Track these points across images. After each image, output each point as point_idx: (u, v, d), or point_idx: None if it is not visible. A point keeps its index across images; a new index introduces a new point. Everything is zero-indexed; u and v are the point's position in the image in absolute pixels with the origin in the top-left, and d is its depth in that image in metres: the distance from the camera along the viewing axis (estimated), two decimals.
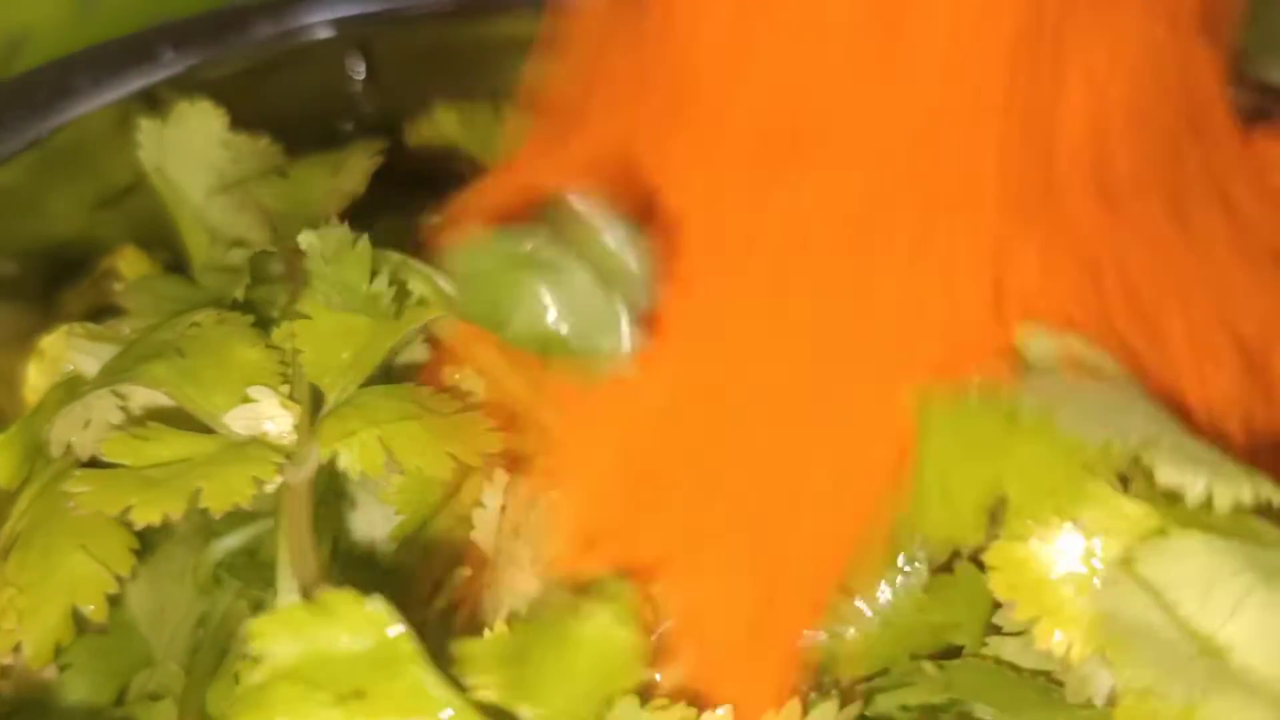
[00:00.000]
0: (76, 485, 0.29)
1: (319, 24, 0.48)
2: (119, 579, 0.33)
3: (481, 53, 0.52)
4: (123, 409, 0.34)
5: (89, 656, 0.35)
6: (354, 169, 0.42)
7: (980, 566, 0.28)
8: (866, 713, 0.29)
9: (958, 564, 0.28)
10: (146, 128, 0.40)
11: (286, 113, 0.47)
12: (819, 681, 0.29)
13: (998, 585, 0.27)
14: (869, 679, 0.30)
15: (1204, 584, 0.24)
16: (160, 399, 0.33)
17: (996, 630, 0.28)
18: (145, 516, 0.28)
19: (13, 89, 0.40)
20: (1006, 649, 0.28)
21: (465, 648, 0.24)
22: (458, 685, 0.24)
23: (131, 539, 0.33)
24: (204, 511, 0.30)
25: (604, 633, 0.25)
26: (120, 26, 0.66)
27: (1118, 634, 0.24)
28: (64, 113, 0.40)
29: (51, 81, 0.41)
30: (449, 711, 0.24)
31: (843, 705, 0.27)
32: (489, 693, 0.24)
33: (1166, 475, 0.24)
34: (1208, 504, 0.24)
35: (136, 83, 0.43)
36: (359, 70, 0.48)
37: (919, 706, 0.29)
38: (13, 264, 0.40)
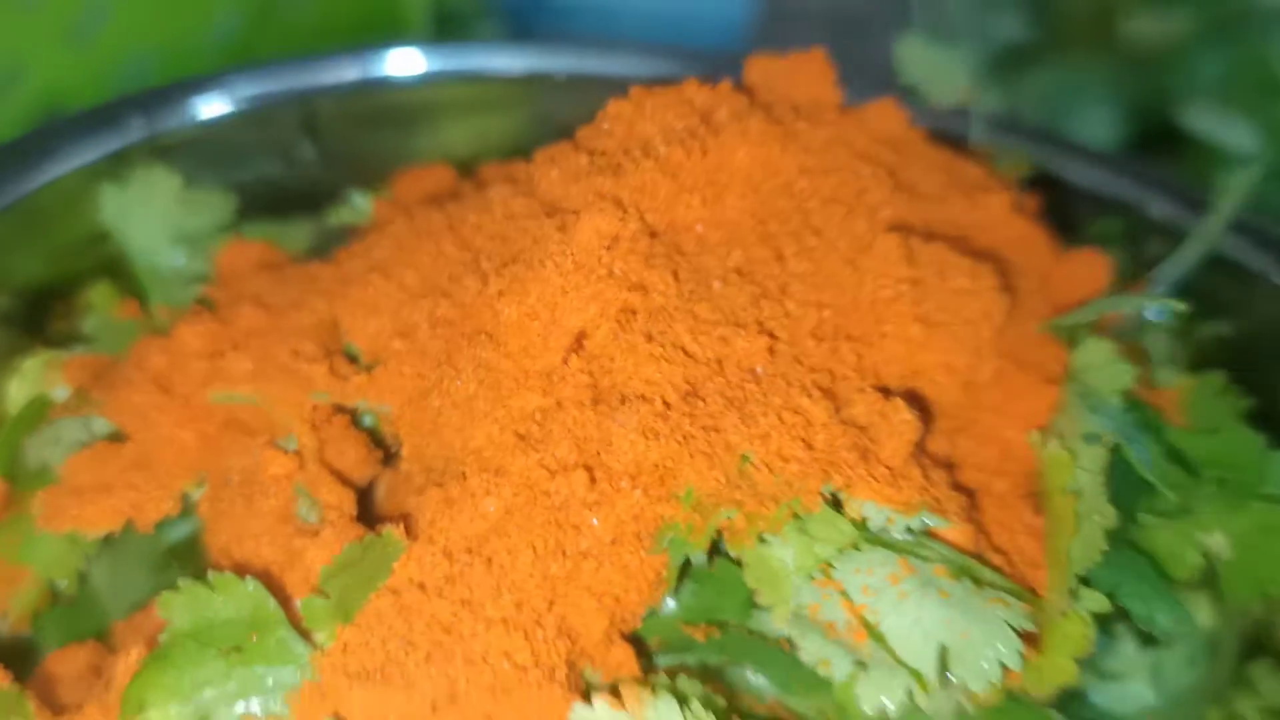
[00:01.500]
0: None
1: (271, 95, 0.56)
2: (87, 559, 0.42)
3: (413, 119, 0.61)
4: (87, 433, 0.42)
5: (60, 621, 0.43)
6: (296, 234, 0.51)
7: (737, 564, 0.35)
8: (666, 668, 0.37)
9: (718, 561, 0.36)
10: (108, 192, 0.48)
11: (242, 173, 0.55)
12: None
13: (748, 578, 0.35)
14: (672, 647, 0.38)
15: (875, 585, 0.32)
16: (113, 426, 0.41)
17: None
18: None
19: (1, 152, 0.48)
20: (764, 623, 0.36)
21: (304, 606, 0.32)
22: (310, 641, 0.33)
23: None
24: None
25: None
26: (106, 62, 0.75)
27: (804, 619, 0.32)
28: (46, 173, 0.48)
29: (34, 146, 0.49)
30: (304, 659, 0.32)
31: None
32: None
33: (856, 509, 0.33)
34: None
35: (109, 146, 0.51)
36: (304, 139, 0.57)
37: (700, 664, 0.37)
38: (5, 297, 0.47)
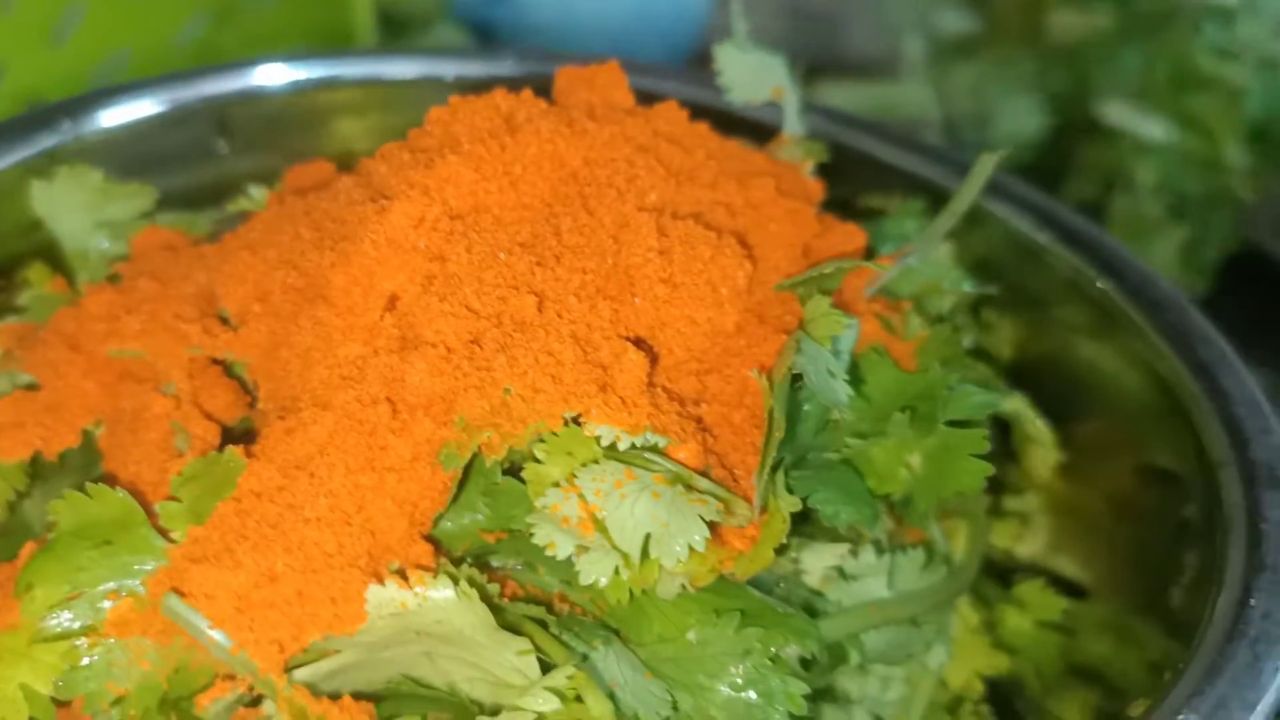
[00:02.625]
0: None
1: (188, 99, 0.65)
2: (17, 492, 0.51)
3: (315, 120, 0.70)
4: (12, 385, 0.51)
5: None
6: (202, 221, 0.60)
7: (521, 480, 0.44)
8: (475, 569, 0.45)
9: (505, 480, 0.45)
10: (37, 187, 0.57)
11: (165, 168, 0.64)
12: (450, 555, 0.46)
13: (529, 490, 0.44)
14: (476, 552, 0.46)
15: (605, 489, 0.41)
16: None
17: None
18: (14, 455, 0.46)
19: None
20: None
21: (161, 509, 0.42)
22: (168, 538, 0.42)
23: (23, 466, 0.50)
24: (85, 451, 0.48)
25: None
26: (82, 61, 0.83)
27: (545, 514, 0.41)
28: None
29: None
30: (160, 551, 0.41)
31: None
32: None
33: (592, 430, 0.41)
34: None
35: (41, 145, 0.60)
36: (220, 142, 0.66)
37: (505, 563, 0.46)
38: None
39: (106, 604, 0.41)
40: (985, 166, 0.54)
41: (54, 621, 0.40)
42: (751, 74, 0.61)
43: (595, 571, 0.40)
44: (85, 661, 0.40)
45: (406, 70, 0.70)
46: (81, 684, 0.40)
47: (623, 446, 0.42)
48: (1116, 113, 1.31)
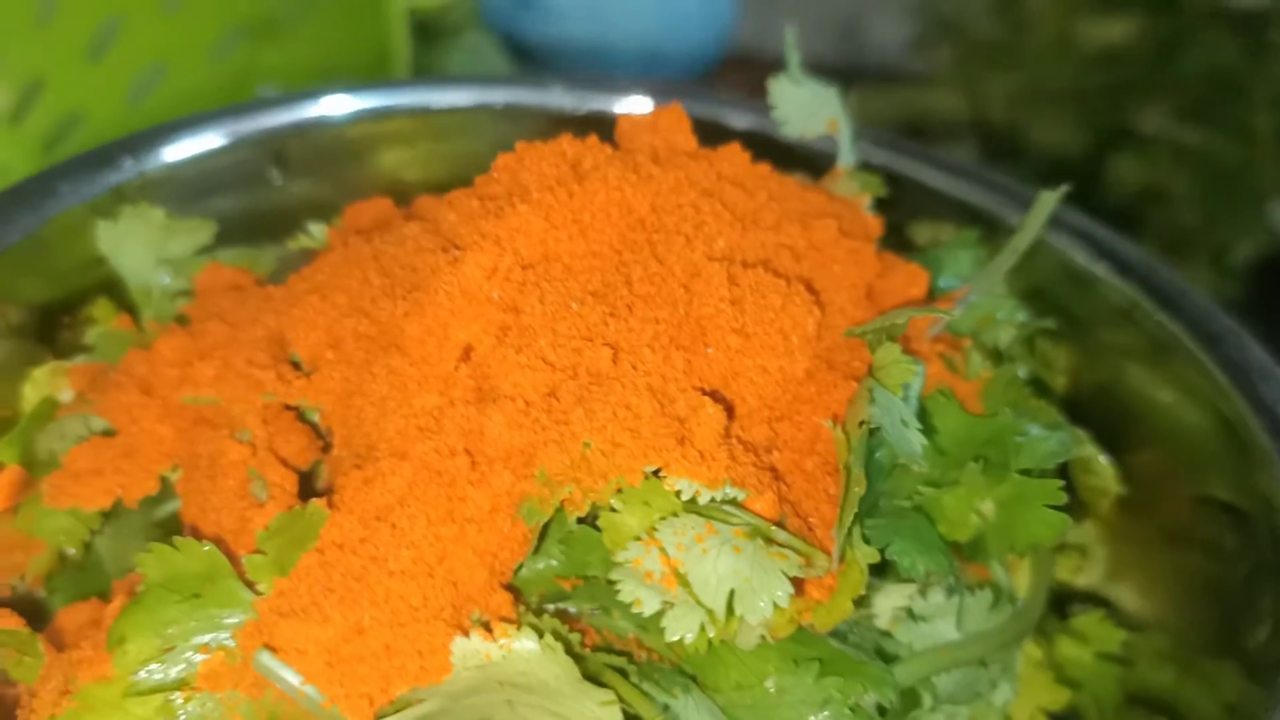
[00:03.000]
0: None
1: (246, 132, 0.66)
2: (91, 532, 0.52)
3: (366, 149, 0.70)
4: (87, 428, 0.52)
5: (69, 582, 0.53)
6: (264, 258, 0.60)
7: (595, 527, 0.45)
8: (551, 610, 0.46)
9: (580, 528, 0.45)
10: (102, 227, 0.58)
11: (220, 203, 0.65)
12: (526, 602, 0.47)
13: (605, 539, 0.44)
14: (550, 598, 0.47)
15: (686, 543, 0.41)
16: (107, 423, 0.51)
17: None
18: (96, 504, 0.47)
19: (10, 195, 0.57)
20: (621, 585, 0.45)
21: (248, 562, 0.42)
22: (254, 590, 0.42)
23: None
24: None
25: None
26: (119, 76, 0.84)
27: (628, 569, 0.41)
28: (51, 209, 0.58)
29: (39, 187, 0.58)
30: (248, 604, 0.42)
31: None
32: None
33: (672, 484, 0.42)
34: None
35: (104, 184, 0.60)
36: (275, 172, 0.66)
37: (580, 609, 0.46)
38: (20, 313, 0.57)
39: (198, 657, 0.41)
40: (1047, 203, 0.55)
41: (146, 674, 0.41)
42: (806, 107, 0.61)
43: (681, 628, 0.40)
44: (181, 715, 0.40)
45: (456, 99, 0.71)
46: None
47: (702, 500, 0.42)
48: (1153, 121, 1.31)
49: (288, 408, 0.50)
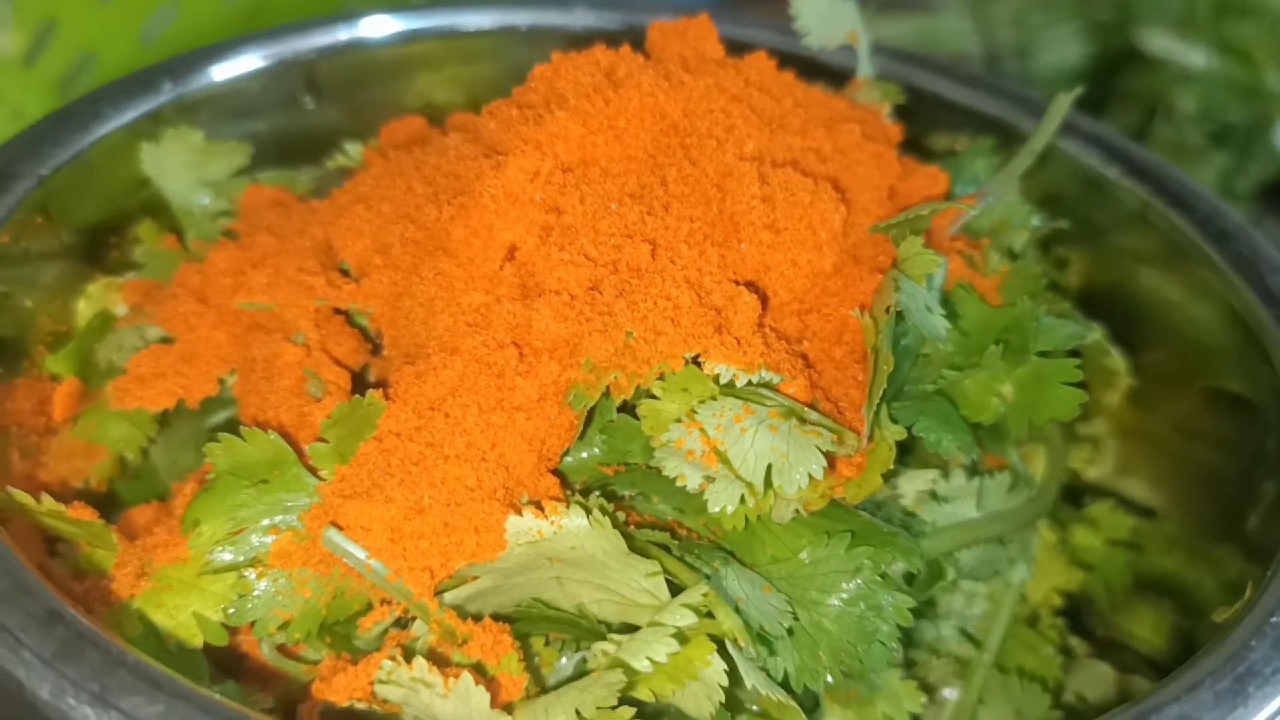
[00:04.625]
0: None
1: (281, 55, 0.68)
2: (148, 438, 0.55)
3: (397, 72, 0.72)
4: (142, 339, 0.54)
5: (128, 488, 0.56)
6: (302, 178, 0.62)
7: (634, 416, 0.47)
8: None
9: (620, 417, 0.48)
10: (145, 149, 0.60)
11: (258, 125, 0.67)
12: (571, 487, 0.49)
13: (644, 426, 0.47)
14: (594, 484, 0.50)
15: (726, 423, 0.44)
16: (163, 332, 0.53)
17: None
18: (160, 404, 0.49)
19: (57, 118, 0.59)
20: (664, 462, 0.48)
21: (311, 450, 0.45)
22: (317, 475, 0.45)
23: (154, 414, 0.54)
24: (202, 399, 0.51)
25: None
26: (135, 19, 0.86)
27: (670, 448, 0.44)
28: (95, 132, 0.60)
29: (85, 110, 0.60)
30: (312, 488, 0.44)
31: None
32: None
33: (711, 369, 0.44)
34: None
35: (145, 107, 0.62)
36: (308, 96, 0.68)
37: (621, 495, 0.49)
38: (71, 234, 0.59)
39: (268, 538, 0.44)
40: (1061, 106, 0.56)
41: (219, 555, 0.44)
42: (827, 18, 0.63)
43: (722, 500, 0.43)
44: (255, 591, 0.43)
45: (482, 21, 0.72)
46: (251, 611, 0.43)
47: (740, 384, 0.45)
48: (1158, 41, 1.32)
49: (338, 312, 0.52)
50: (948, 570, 0.50)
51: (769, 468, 0.43)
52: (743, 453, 0.43)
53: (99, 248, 0.61)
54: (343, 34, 0.70)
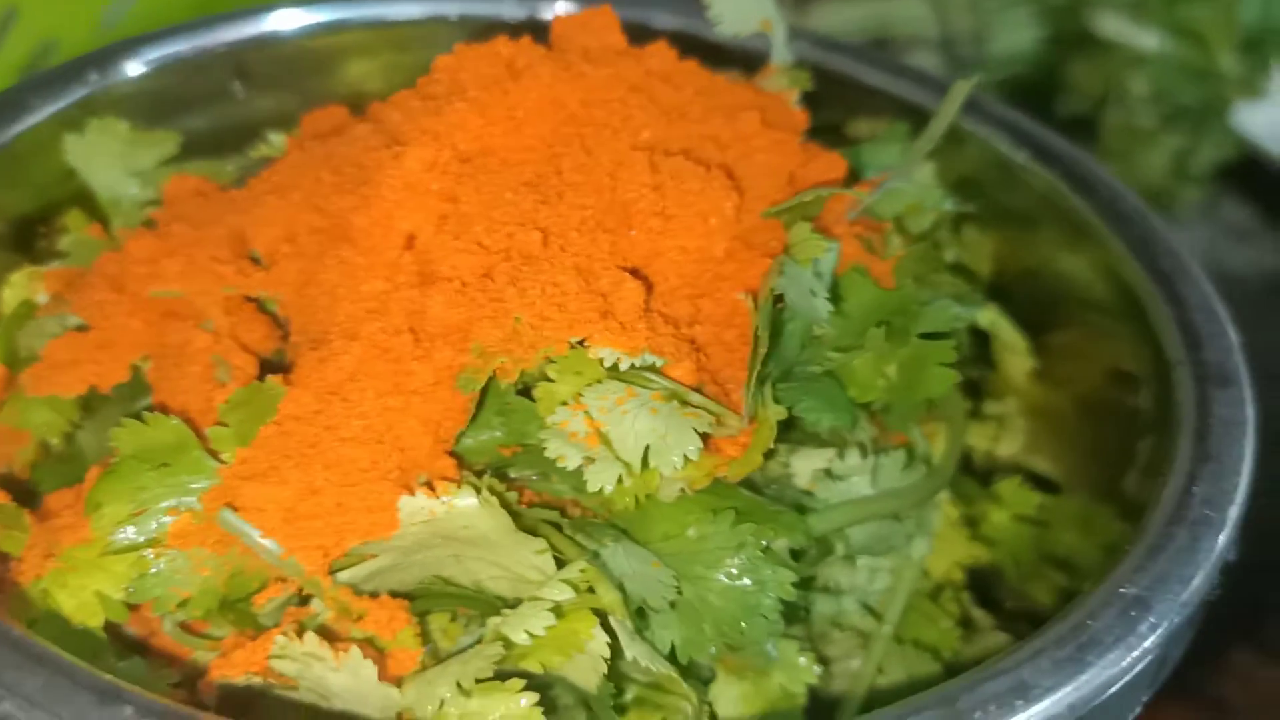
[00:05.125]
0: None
1: (208, 46, 0.69)
2: (71, 424, 0.56)
3: (326, 62, 0.73)
4: (62, 327, 0.56)
5: (53, 473, 0.57)
6: (227, 167, 0.64)
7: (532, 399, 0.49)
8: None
9: (517, 400, 0.49)
10: (69, 139, 0.61)
11: (186, 115, 0.68)
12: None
13: (539, 408, 0.48)
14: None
15: (608, 406, 0.45)
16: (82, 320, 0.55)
17: None
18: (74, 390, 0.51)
19: None
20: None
21: (212, 433, 0.46)
22: (218, 459, 0.46)
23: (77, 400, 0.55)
24: (130, 384, 0.52)
25: None
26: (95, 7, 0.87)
27: (555, 430, 0.45)
28: (24, 122, 0.61)
29: (12, 101, 0.61)
30: (213, 471, 0.46)
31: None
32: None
33: (596, 353, 0.46)
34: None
35: (72, 97, 0.64)
36: (237, 85, 0.69)
37: (522, 475, 0.50)
38: None
39: (168, 519, 0.46)
40: (959, 92, 0.58)
41: (121, 535, 0.46)
42: (739, 6, 0.64)
43: (600, 480, 0.44)
44: (153, 570, 0.45)
45: (413, 11, 0.73)
46: (150, 589, 0.45)
47: (624, 367, 0.46)
48: (1111, 24, 1.33)
49: (249, 299, 0.54)
50: (837, 546, 0.51)
51: (647, 448, 0.44)
52: (623, 434, 0.45)
53: (27, 238, 0.62)
54: (271, 24, 0.71)
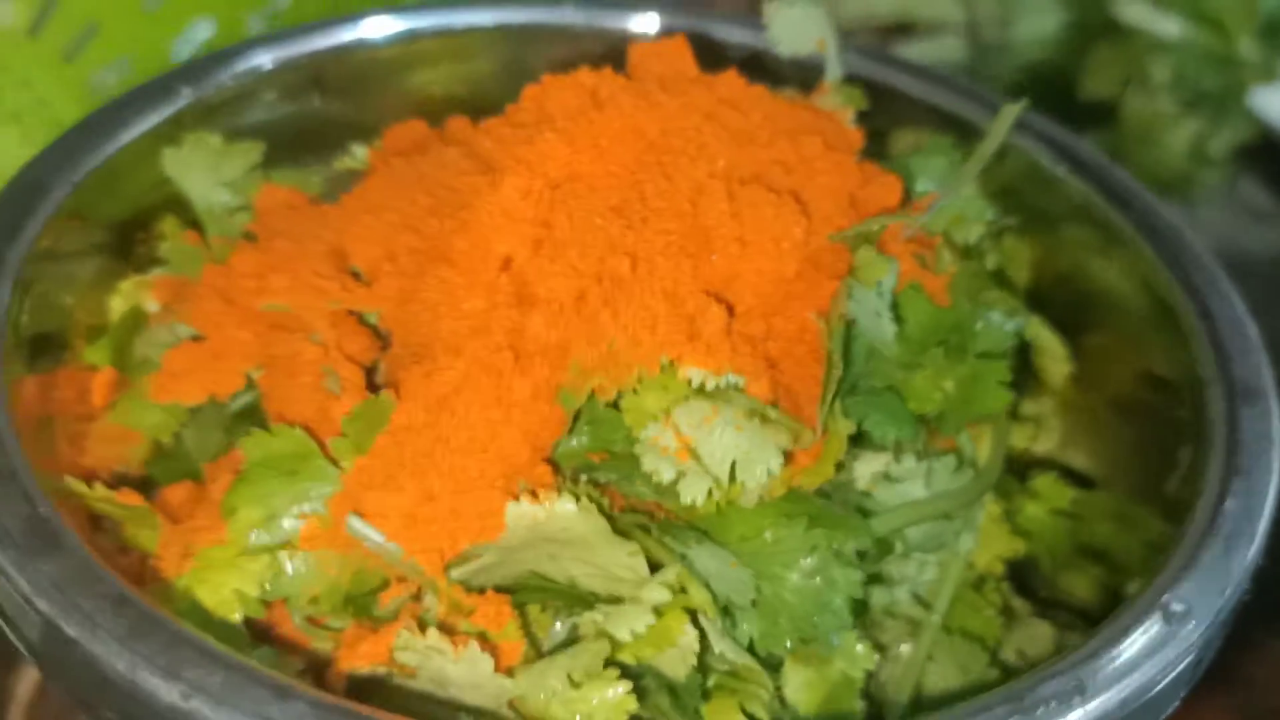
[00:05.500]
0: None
1: (292, 57, 0.72)
2: (180, 423, 0.61)
3: (398, 70, 0.77)
4: (174, 336, 0.60)
5: (163, 467, 0.62)
6: (313, 178, 0.68)
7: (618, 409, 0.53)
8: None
9: (605, 410, 0.54)
10: (168, 154, 0.65)
11: (271, 124, 0.72)
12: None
13: (626, 419, 0.53)
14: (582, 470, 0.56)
15: (696, 423, 0.50)
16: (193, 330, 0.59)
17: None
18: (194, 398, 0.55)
19: (86, 126, 0.64)
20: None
21: (333, 444, 0.51)
22: (339, 466, 0.51)
23: None
24: None
25: None
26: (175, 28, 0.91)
27: (647, 443, 0.50)
28: (122, 138, 0.65)
29: (111, 118, 0.65)
30: (335, 478, 0.51)
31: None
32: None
33: (684, 373, 0.50)
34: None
35: (166, 112, 0.67)
36: (315, 96, 0.73)
37: (608, 479, 0.55)
38: (102, 234, 0.65)
39: (297, 523, 0.50)
40: (1009, 115, 0.62)
41: (254, 538, 0.50)
42: (797, 27, 0.68)
43: (693, 492, 0.49)
44: (286, 571, 0.50)
45: (478, 19, 0.77)
46: (284, 588, 0.50)
47: (710, 386, 0.50)
48: (1132, 11, 1.36)
49: (351, 313, 0.58)
50: (896, 545, 0.56)
51: (734, 463, 0.49)
52: (711, 450, 0.49)
53: (127, 244, 0.66)
54: (346, 35, 0.74)
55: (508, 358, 0.52)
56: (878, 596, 0.60)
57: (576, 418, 0.53)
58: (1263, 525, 0.49)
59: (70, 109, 1.19)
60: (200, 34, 1.28)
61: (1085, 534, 0.66)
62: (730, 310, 0.53)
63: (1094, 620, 0.64)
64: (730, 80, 0.60)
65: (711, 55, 0.68)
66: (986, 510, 0.64)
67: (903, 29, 1.44)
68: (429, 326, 0.54)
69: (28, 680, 0.73)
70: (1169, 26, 1.37)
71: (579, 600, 0.52)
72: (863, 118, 0.69)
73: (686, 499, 0.49)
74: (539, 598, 0.53)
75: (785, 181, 0.57)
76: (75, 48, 1.17)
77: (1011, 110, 0.61)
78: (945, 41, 1.43)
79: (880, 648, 0.59)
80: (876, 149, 0.68)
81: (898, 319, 0.55)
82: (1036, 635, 0.64)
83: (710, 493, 0.49)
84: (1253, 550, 0.48)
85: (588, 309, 0.51)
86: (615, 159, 0.55)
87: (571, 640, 0.52)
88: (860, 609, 0.53)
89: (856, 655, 0.56)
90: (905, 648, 0.61)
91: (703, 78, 0.60)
